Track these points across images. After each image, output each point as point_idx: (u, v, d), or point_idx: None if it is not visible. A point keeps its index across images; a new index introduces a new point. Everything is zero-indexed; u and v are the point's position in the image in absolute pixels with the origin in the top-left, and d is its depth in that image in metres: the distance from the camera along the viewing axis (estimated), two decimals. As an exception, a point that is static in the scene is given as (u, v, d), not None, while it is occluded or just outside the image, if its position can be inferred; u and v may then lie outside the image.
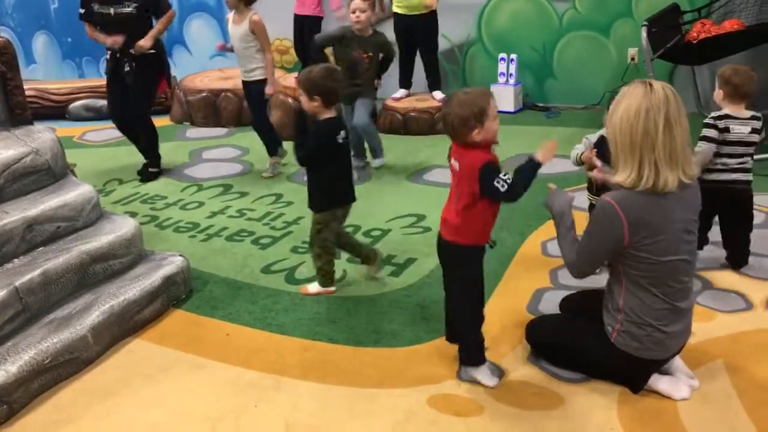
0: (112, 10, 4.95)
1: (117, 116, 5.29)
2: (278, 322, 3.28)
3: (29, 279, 2.93)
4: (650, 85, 2.33)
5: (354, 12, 4.76)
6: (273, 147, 5.28)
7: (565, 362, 2.77)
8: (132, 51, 4.97)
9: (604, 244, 2.46)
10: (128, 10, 4.96)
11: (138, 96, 5.14)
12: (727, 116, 3.33)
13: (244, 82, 5.09)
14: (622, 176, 2.39)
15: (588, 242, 2.52)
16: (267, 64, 4.94)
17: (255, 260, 3.91)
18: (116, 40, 4.97)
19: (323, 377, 2.85)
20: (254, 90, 5.05)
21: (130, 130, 5.36)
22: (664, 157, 2.31)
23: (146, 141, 5.35)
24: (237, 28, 4.90)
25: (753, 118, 3.34)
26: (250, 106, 5.27)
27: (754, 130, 3.31)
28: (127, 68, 5.02)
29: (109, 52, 5.09)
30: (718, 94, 3.41)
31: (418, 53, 6.29)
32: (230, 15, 4.98)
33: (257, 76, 4.97)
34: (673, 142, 2.31)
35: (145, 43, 4.94)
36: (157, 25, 5.10)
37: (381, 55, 4.95)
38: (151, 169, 5.38)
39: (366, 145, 5.17)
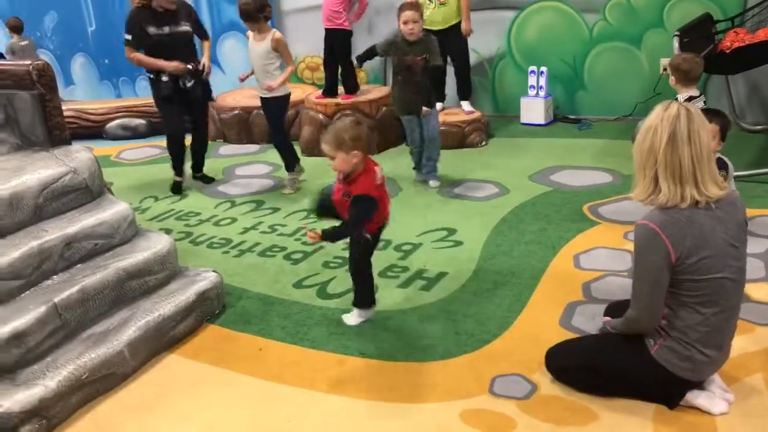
0: (167, 29, 5.10)
1: (180, 133, 5.51)
2: (310, 336, 3.30)
3: (68, 295, 2.99)
4: (669, 105, 2.37)
5: (407, 23, 4.76)
6: (291, 163, 5.35)
7: (592, 384, 2.69)
8: (189, 67, 5.14)
9: (657, 269, 2.36)
10: (185, 28, 5.18)
11: (203, 111, 5.57)
12: (691, 97, 3.97)
13: (263, 99, 5.15)
14: (634, 192, 2.45)
15: (642, 280, 2.43)
16: (286, 72, 5.01)
17: (287, 275, 3.94)
18: (178, 66, 5.12)
19: (355, 392, 2.85)
20: (273, 106, 5.14)
21: (183, 146, 5.62)
22: (664, 173, 2.32)
23: (205, 148, 5.77)
24: (258, 45, 4.96)
25: (699, 95, 4.07)
26: (269, 123, 5.34)
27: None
28: (190, 83, 5.20)
29: (165, 76, 5.15)
30: (672, 80, 4.09)
31: (449, 66, 6.31)
32: (250, 32, 5.04)
33: (276, 92, 5.02)
34: (676, 159, 2.30)
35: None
36: (208, 50, 5.42)
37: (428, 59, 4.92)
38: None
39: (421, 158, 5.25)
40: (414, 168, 5.36)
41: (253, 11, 4.82)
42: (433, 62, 4.93)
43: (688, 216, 2.33)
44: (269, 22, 5.01)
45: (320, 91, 6.52)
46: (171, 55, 5.11)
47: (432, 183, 5.22)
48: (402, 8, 4.82)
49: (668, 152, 2.31)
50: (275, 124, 5.24)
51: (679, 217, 2.34)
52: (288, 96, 5.16)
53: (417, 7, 4.84)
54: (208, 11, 7.97)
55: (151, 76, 5.23)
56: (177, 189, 5.55)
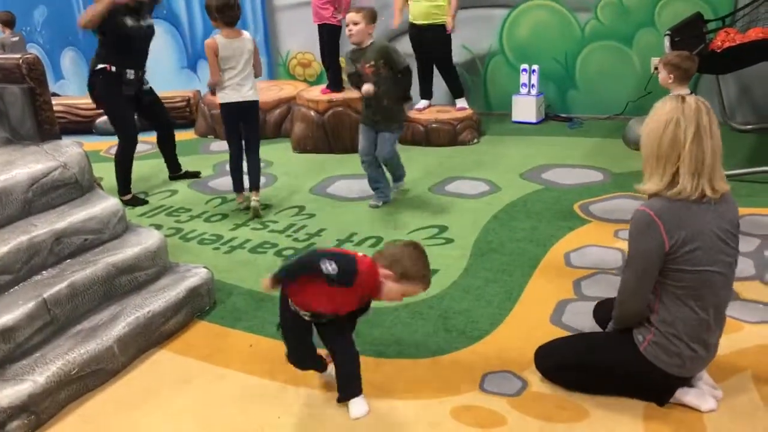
0: (143, 23, 5.02)
1: (136, 140, 5.28)
2: (301, 333, 3.29)
3: (57, 291, 2.97)
4: (683, 98, 2.35)
5: (347, 25, 4.50)
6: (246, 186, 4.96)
7: (582, 383, 2.69)
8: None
9: (650, 256, 2.38)
10: (151, 21, 5.10)
11: (164, 108, 5.57)
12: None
13: None
14: (647, 185, 2.42)
15: (633, 264, 2.45)
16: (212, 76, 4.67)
17: (278, 272, 3.92)
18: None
19: (346, 388, 2.85)
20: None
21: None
22: (687, 167, 2.31)
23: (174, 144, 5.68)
24: None
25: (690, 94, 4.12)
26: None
27: None
28: (148, 86, 5.24)
29: (131, 74, 5.04)
30: (666, 78, 4.13)
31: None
32: None
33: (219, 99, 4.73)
34: (701, 153, 2.30)
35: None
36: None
37: (386, 66, 4.49)
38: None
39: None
40: (373, 187, 4.86)
41: (211, 9, 4.57)
42: (397, 68, 4.50)
43: (689, 207, 2.34)
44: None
45: (324, 86, 6.49)
46: (143, 50, 5.09)
47: (392, 186, 4.94)
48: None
49: (694, 147, 2.29)
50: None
51: (679, 206, 2.34)
52: (222, 105, 4.70)
53: (359, 9, 4.52)
54: (200, 10, 7.93)
55: (113, 69, 4.95)
56: (142, 201, 5.24)
